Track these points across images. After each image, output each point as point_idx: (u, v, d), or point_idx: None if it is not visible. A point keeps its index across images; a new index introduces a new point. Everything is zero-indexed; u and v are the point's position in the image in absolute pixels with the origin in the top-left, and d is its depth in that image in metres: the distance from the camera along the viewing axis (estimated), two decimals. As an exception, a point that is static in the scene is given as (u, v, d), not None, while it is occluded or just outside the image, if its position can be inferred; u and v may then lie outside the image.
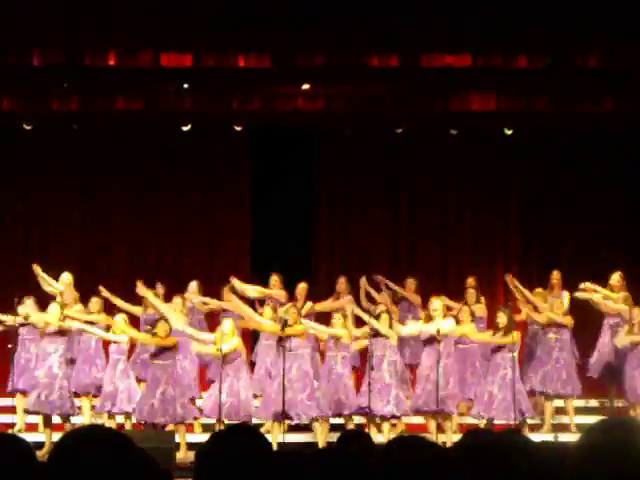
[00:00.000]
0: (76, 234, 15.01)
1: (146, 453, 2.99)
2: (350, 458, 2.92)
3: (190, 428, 12.24)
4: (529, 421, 11.99)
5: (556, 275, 13.29)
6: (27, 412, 11.88)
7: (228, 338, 11.65)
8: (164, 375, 11.48)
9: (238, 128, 14.26)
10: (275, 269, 13.34)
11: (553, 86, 13.10)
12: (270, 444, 2.90)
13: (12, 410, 12.31)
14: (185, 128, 13.95)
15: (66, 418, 11.71)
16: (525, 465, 2.79)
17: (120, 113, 13.53)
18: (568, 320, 12.51)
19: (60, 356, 11.71)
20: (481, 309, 13.01)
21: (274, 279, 13.23)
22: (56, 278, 13.07)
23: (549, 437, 11.73)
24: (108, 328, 12.25)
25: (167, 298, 12.86)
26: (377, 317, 11.94)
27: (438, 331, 11.60)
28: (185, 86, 13.02)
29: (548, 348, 12.41)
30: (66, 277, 13.02)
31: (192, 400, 12.26)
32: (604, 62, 12.43)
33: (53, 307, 11.92)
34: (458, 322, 12.20)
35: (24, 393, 12.25)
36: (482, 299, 13.27)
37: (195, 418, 12.02)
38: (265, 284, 13.30)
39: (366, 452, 3.06)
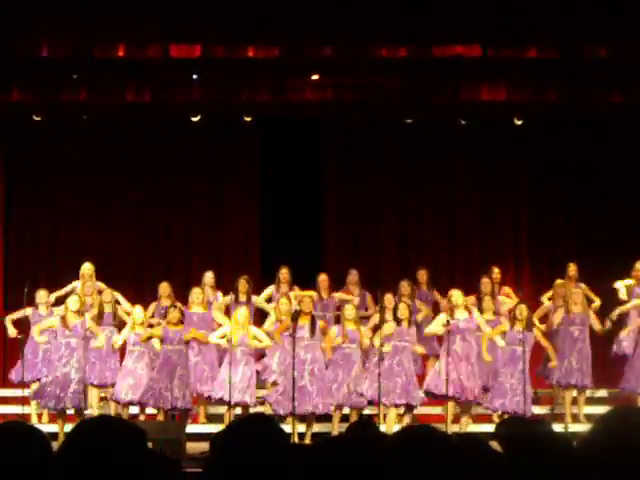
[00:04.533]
0: (85, 223, 15.02)
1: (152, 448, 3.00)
2: (361, 445, 2.92)
3: (195, 418, 12.26)
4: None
5: (573, 267, 13.28)
6: (59, 409, 11.57)
7: (244, 328, 11.73)
8: (180, 360, 11.53)
9: (247, 118, 14.25)
10: (284, 260, 13.32)
11: (563, 77, 13.07)
12: (285, 432, 2.90)
13: (13, 401, 12.39)
14: (194, 119, 13.95)
15: (81, 411, 11.69)
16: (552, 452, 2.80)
17: (129, 104, 13.52)
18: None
19: (81, 349, 11.73)
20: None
21: (283, 272, 13.19)
22: (71, 269, 13.08)
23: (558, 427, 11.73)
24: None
25: (176, 294, 12.92)
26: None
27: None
28: (194, 77, 13.02)
29: (571, 341, 12.40)
30: (87, 267, 13.01)
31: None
32: (614, 53, 12.39)
33: (73, 299, 11.90)
34: (482, 312, 12.27)
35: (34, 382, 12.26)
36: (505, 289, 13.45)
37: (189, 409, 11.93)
38: (273, 275, 13.29)
39: (377, 439, 3.06)
